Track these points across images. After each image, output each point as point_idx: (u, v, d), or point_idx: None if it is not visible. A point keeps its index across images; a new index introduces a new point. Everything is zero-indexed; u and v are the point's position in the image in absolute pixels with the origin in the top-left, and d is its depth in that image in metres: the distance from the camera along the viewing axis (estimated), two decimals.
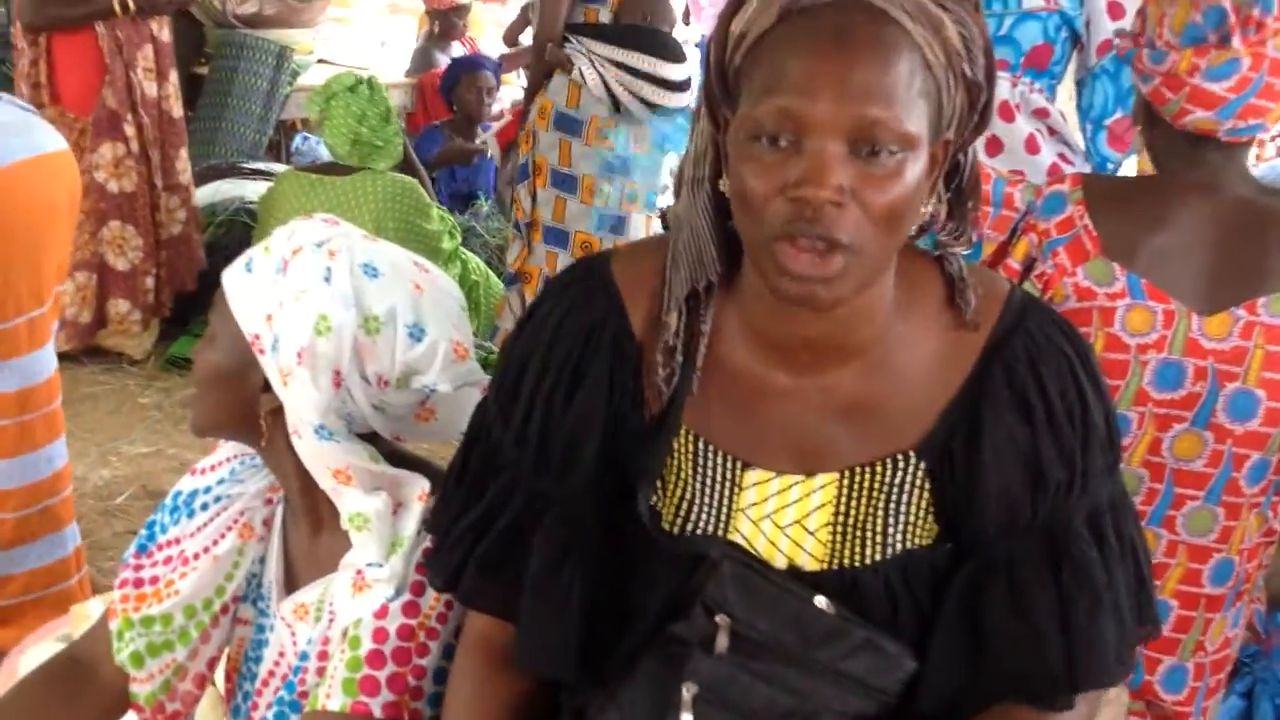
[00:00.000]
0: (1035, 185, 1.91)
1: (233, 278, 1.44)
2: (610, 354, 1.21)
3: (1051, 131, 2.46)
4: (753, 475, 1.20)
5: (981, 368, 1.18)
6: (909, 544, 1.19)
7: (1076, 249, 1.81)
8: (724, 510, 1.20)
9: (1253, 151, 1.87)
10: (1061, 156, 2.46)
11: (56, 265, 2.68)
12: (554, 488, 1.23)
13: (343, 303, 1.38)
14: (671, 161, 3.99)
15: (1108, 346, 1.78)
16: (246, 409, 1.45)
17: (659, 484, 1.22)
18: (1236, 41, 1.68)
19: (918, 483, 1.18)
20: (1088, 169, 2.48)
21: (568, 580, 1.22)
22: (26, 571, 2.70)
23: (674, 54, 3.94)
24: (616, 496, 1.21)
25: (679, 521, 1.21)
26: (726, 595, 1.16)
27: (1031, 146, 2.42)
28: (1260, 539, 1.88)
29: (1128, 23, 2.34)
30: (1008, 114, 2.39)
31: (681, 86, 3.96)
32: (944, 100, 1.08)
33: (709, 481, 1.20)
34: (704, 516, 1.21)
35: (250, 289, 1.42)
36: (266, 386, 1.43)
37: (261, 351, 1.40)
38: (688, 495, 1.21)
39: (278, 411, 1.43)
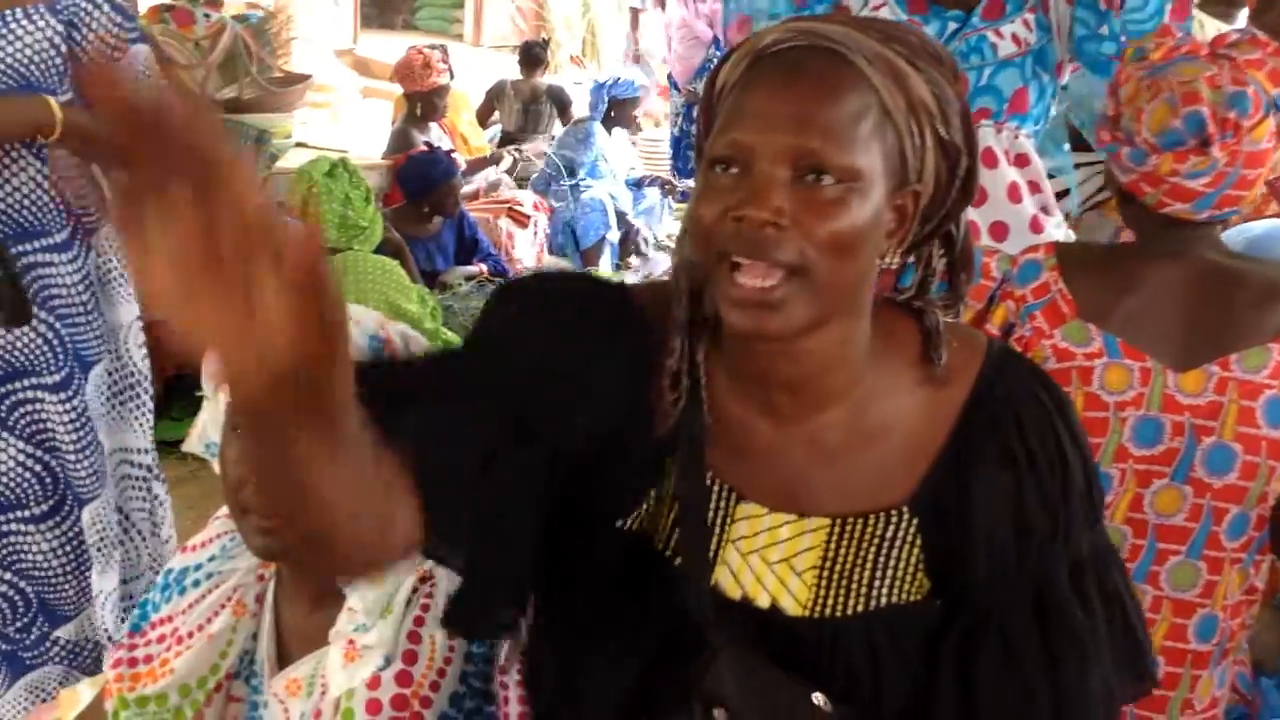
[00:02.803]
0: (1010, 255, 1.94)
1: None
2: (623, 360, 1.19)
3: (1033, 187, 2.49)
4: (746, 508, 1.20)
5: (965, 420, 1.20)
6: (895, 598, 1.20)
7: (1053, 312, 1.85)
8: (715, 539, 1.20)
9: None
10: (1044, 210, 2.50)
11: None
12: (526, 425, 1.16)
13: None
14: None
15: (1087, 405, 1.81)
16: None
17: (651, 504, 1.21)
18: (1216, 150, 1.73)
19: (909, 538, 1.19)
20: (1063, 230, 2.52)
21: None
22: None
23: None
24: (589, 497, 1.19)
25: (664, 541, 1.21)
26: (724, 689, 1.15)
27: (1014, 195, 2.44)
28: (1242, 596, 1.89)
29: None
30: (991, 160, 2.42)
31: None
32: (907, 149, 1.11)
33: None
34: None
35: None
36: None
37: None
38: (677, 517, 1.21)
39: None
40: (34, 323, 2.14)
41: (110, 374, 2.37)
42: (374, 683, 1.39)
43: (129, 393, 2.46)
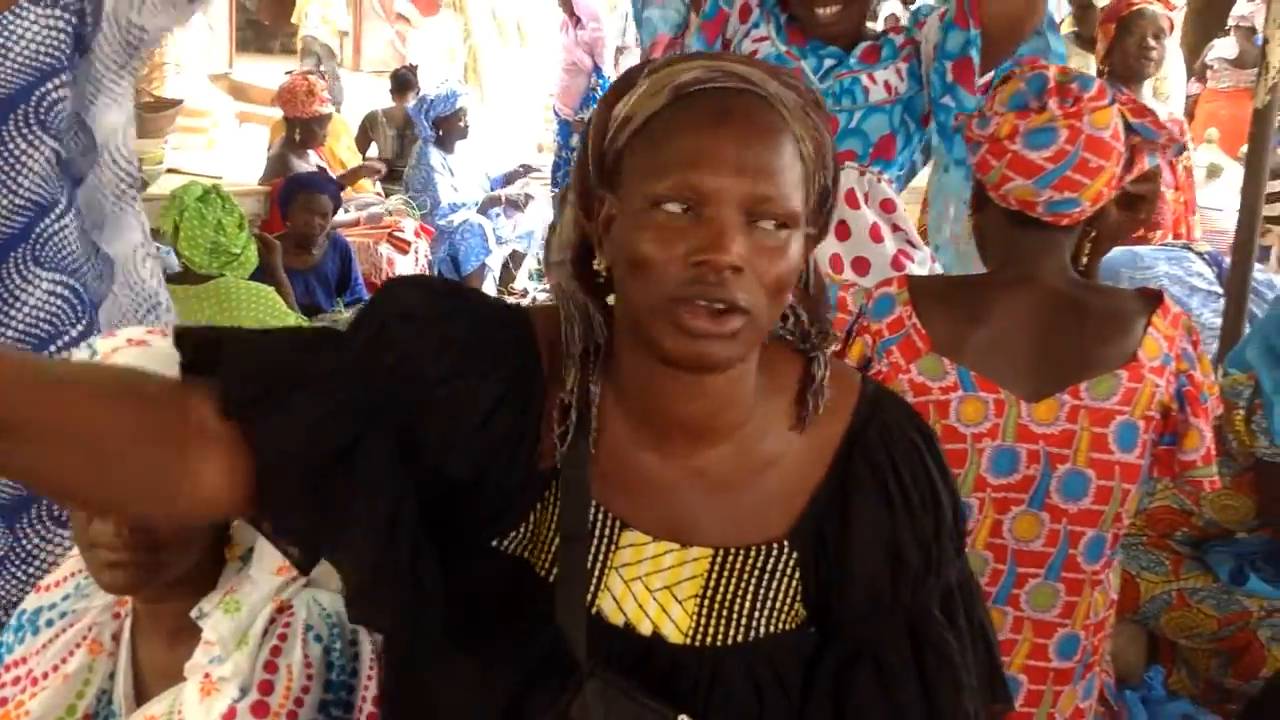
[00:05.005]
0: (866, 289, 1.98)
1: None
2: (515, 383, 1.19)
3: (895, 228, 2.54)
4: (630, 536, 1.21)
5: (841, 458, 1.23)
6: (773, 628, 1.22)
7: (908, 347, 1.88)
8: (599, 565, 1.20)
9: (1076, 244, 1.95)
10: (903, 252, 2.54)
11: None
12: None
13: None
14: None
15: (945, 438, 1.83)
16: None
17: (531, 527, 1.21)
18: (1053, 105, 1.79)
19: (788, 570, 1.22)
20: (928, 266, 2.57)
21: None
22: None
23: None
24: (469, 513, 1.19)
25: (545, 566, 1.20)
26: (590, 717, 1.15)
27: (875, 235, 2.48)
28: (1106, 613, 1.96)
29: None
30: (854, 202, 2.45)
31: None
32: (810, 193, 1.14)
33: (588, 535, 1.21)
34: None
35: None
36: None
37: None
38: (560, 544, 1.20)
39: None
40: (53, 289, 2.18)
41: (122, 302, 2.37)
42: (229, 714, 1.37)
43: (149, 315, 2.44)
